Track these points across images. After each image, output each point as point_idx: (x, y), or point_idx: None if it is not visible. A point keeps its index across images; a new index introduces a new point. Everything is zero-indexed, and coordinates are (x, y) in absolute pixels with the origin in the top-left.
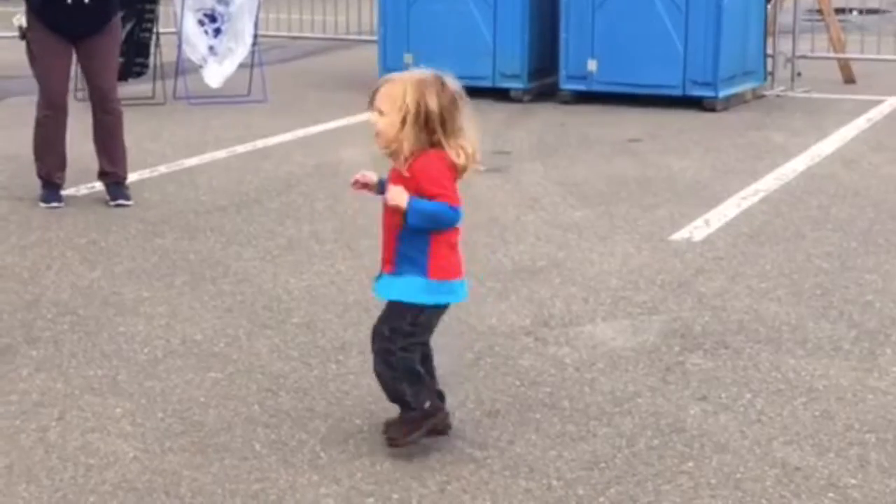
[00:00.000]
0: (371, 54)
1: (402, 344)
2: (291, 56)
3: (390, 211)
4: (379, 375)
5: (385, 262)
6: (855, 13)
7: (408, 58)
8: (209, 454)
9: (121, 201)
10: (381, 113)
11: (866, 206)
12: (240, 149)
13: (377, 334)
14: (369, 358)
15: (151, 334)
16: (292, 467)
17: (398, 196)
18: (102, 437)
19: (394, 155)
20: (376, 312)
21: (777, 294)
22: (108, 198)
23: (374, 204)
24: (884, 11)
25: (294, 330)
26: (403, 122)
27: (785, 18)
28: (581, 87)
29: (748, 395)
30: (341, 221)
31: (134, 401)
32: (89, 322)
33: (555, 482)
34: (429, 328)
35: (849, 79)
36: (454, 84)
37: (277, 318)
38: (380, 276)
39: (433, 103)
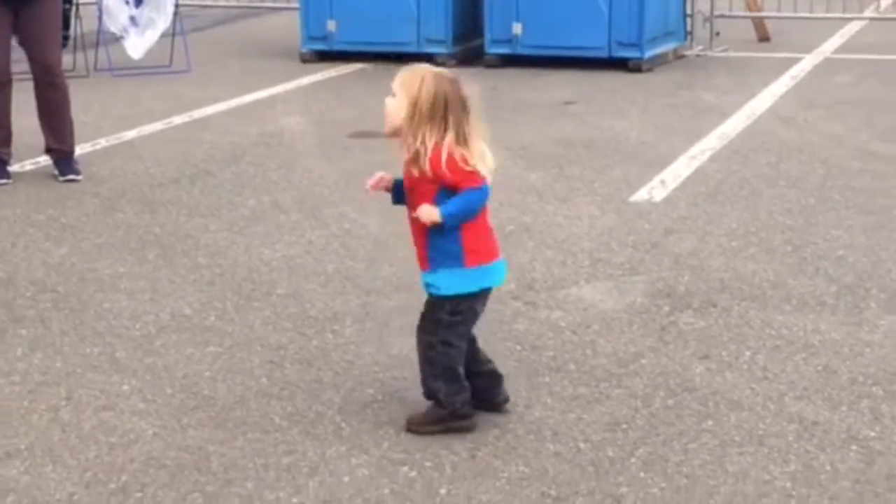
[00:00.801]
0: (286, 21)
1: (444, 336)
2: (205, 25)
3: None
4: (421, 370)
5: (420, 260)
6: None
7: (331, 24)
8: (230, 429)
9: (71, 176)
10: (393, 95)
11: (814, 162)
12: (176, 120)
13: (419, 329)
14: (365, 328)
15: (138, 310)
16: (317, 439)
17: (430, 215)
18: (117, 415)
19: (404, 146)
20: (359, 282)
21: (750, 252)
22: (56, 173)
23: (330, 173)
24: None
25: (281, 301)
26: (413, 108)
27: None
28: (506, 50)
29: (748, 353)
30: (299, 191)
31: (139, 377)
32: (71, 299)
33: (582, 444)
34: (472, 317)
35: (763, 37)
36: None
37: (262, 290)
38: (422, 273)
39: (445, 94)
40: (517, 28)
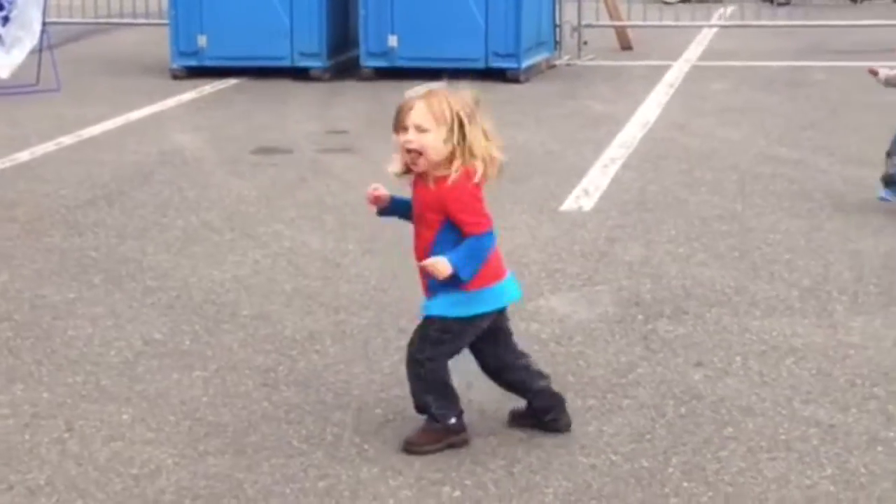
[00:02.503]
0: (141, 37)
1: (430, 353)
2: (57, 42)
3: (421, 242)
4: (410, 385)
5: (424, 287)
6: None
7: (201, 39)
8: (250, 455)
9: None
10: (421, 130)
11: (725, 169)
12: (66, 140)
13: (409, 345)
14: (347, 347)
15: (106, 336)
16: (345, 462)
17: (442, 269)
18: (127, 446)
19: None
20: (322, 300)
21: (699, 258)
22: None
23: (247, 190)
24: None
25: (251, 323)
26: (451, 133)
27: None
28: (383, 63)
29: (738, 359)
30: (224, 210)
31: (135, 405)
32: (32, 328)
33: (613, 456)
34: (463, 338)
35: (626, 46)
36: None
37: (226, 312)
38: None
39: (469, 109)
40: (393, 40)
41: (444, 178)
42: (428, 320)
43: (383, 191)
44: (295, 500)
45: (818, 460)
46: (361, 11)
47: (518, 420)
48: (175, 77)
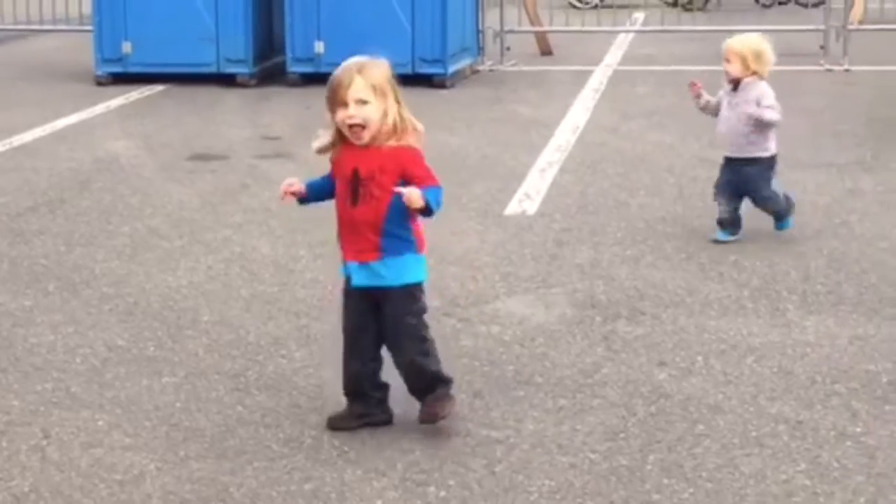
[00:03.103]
0: (58, 43)
1: (426, 324)
2: None
3: (365, 204)
4: (417, 367)
5: (362, 252)
6: None
7: (126, 46)
8: (232, 458)
9: None
10: (362, 102)
11: (660, 172)
12: None
13: (403, 326)
14: (312, 351)
15: (69, 343)
16: (327, 464)
17: (417, 198)
18: (108, 452)
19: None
20: (281, 305)
21: (648, 260)
22: None
23: (189, 197)
24: None
25: (214, 329)
26: (390, 102)
27: None
28: (309, 69)
29: (700, 358)
30: (169, 216)
31: (108, 411)
32: None
33: (591, 455)
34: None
35: (546, 51)
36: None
37: (187, 318)
38: (360, 266)
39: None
40: (319, 46)
41: (393, 142)
42: (412, 295)
43: (298, 185)
44: (283, 502)
45: (791, 456)
46: (287, 17)
47: (343, 422)
48: (100, 83)
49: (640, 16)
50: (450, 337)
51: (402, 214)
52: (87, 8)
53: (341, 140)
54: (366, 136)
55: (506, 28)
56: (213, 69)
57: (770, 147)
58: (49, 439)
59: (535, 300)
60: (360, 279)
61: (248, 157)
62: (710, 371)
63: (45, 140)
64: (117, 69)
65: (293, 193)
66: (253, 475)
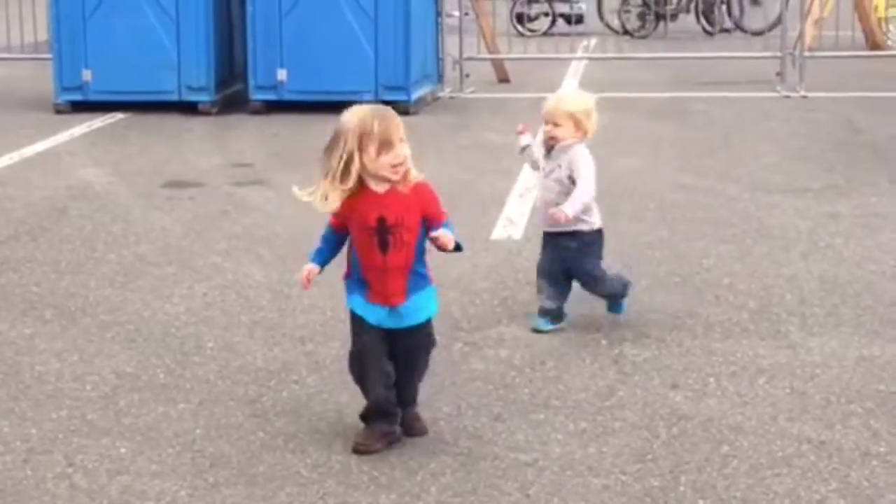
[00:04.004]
0: (10, 72)
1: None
2: None
3: (397, 251)
4: (414, 388)
5: (394, 295)
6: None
7: (86, 74)
8: (262, 484)
9: None
10: (403, 142)
11: (641, 197)
12: None
13: (416, 359)
14: (324, 377)
15: (77, 371)
16: (360, 489)
17: (451, 240)
18: (136, 479)
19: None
20: (284, 331)
21: (643, 284)
22: None
23: (170, 224)
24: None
25: (220, 355)
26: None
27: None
28: (272, 96)
29: (712, 380)
30: (154, 244)
31: (128, 438)
32: None
33: (623, 477)
34: None
35: (503, 78)
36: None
37: (190, 345)
38: (390, 311)
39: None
40: (282, 74)
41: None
42: (429, 328)
43: (315, 268)
44: None
45: (820, 475)
46: (250, 44)
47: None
48: (59, 112)
49: (590, 43)
50: (459, 360)
51: (423, 251)
52: (41, 36)
53: (359, 187)
54: (404, 174)
55: (465, 55)
56: (174, 97)
57: (592, 220)
58: (74, 467)
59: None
60: (387, 323)
61: (224, 184)
62: (724, 392)
63: (13, 168)
64: (77, 97)
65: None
66: (287, 500)
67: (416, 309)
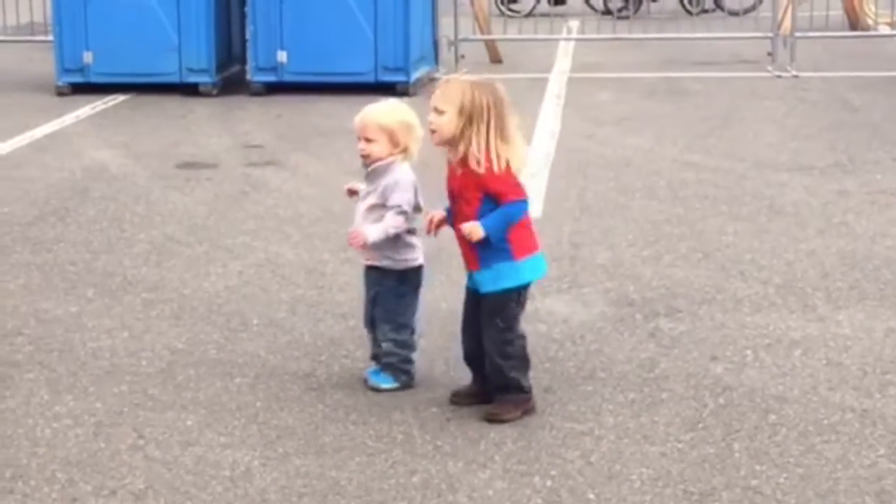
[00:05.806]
0: (8, 55)
1: (517, 329)
2: None
3: (462, 218)
4: (496, 366)
5: (469, 260)
6: None
7: (87, 56)
8: (331, 454)
9: None
10: (439, 112)
11: (650, 175)
12: None
13: (489, 329)
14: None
15: (129, 347)
16: (426, 458)
17: (475, 232)
18: (208, 450)
19: (450, 149)
20: (325, 308)
21: (667, 260)
22: None
23: (192, 205)
24: None
25: (268, 331)
26: (461, 118)
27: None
28: (272, 78)
29: (749, 352)
30: (181, 224)
31: (192, 412)
32: (49, 340)
33: (678, 444)
34: (520, 304)
35: (496, 59)
36: (504, 92)
37: (236, 322)
38: (469, 273)
39: (486, 100)
40: (282, 56)
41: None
42: (503, 302)
43: (438, 214)
44: (396, 494)
45: (867, 441)
46: (250, 26)
47: (461, 398)
48: (60, 94)
49: (574, 24)
50: None
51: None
52: (37, 17)
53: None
54: (434, 140)
55: (460, 37)
56: (174, 79)
57: (405, 256)
58: (144, 439)
59: (572, 300)
60: (470, 283)
61: (238, 165)
62: (763, 364)
63: (24, 150)
64: (78, 79)
65: (438, 224)
66: (359, 469)
67: (489, 279)
